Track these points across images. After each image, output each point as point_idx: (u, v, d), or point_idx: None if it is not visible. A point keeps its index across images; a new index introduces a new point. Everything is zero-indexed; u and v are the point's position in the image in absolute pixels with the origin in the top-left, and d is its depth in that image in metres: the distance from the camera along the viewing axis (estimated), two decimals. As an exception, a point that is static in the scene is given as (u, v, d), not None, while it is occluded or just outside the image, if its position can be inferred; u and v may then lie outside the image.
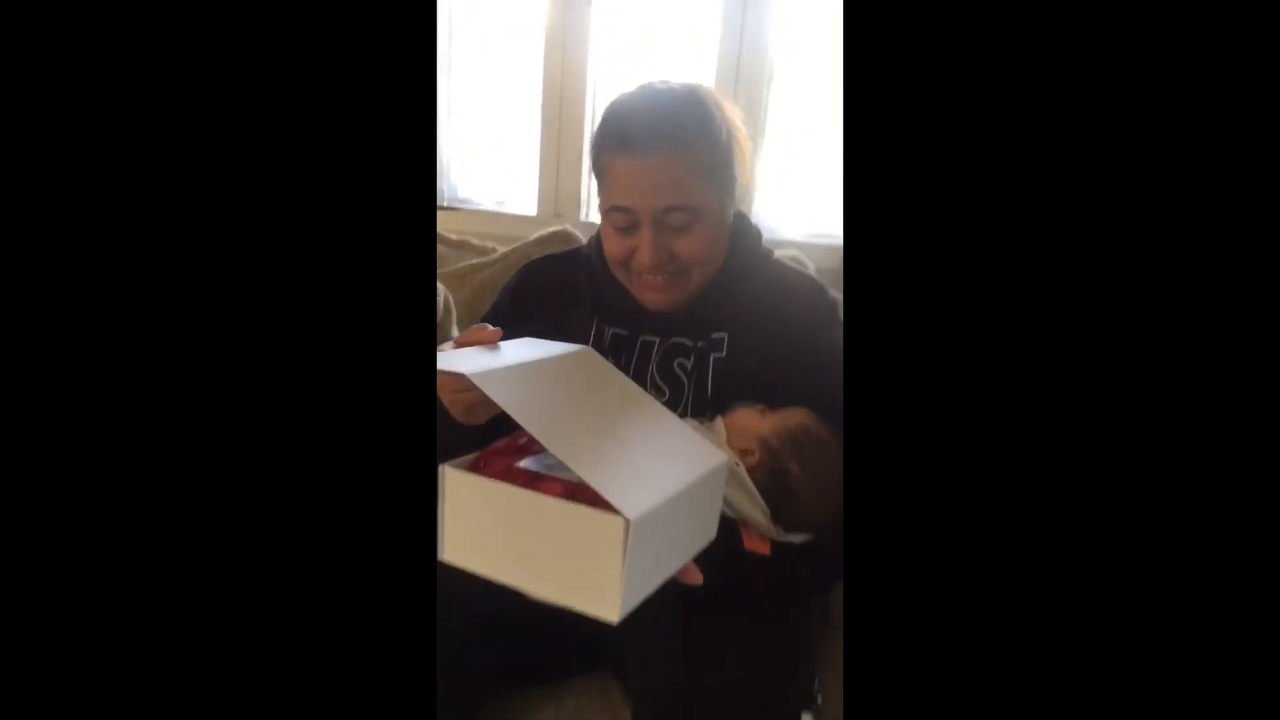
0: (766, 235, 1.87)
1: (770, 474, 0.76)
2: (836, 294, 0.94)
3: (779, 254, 1.38)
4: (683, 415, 0.88)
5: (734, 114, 0.88)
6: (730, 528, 0.74)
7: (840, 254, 1.68)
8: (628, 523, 0.49)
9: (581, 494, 0.54)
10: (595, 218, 1.87)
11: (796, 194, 1.80)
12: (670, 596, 0.58)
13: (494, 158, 1.86)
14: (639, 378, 0.89)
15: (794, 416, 0.80)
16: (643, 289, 0.88)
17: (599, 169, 0.88)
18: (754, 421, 0.80)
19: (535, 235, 1.45)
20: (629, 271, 0.87)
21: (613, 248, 0.87)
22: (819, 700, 0.78)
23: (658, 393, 0.89)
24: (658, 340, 0.90)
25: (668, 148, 0.82)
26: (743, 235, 0.93)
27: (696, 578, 0.62)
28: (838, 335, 0.89)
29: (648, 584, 0.55)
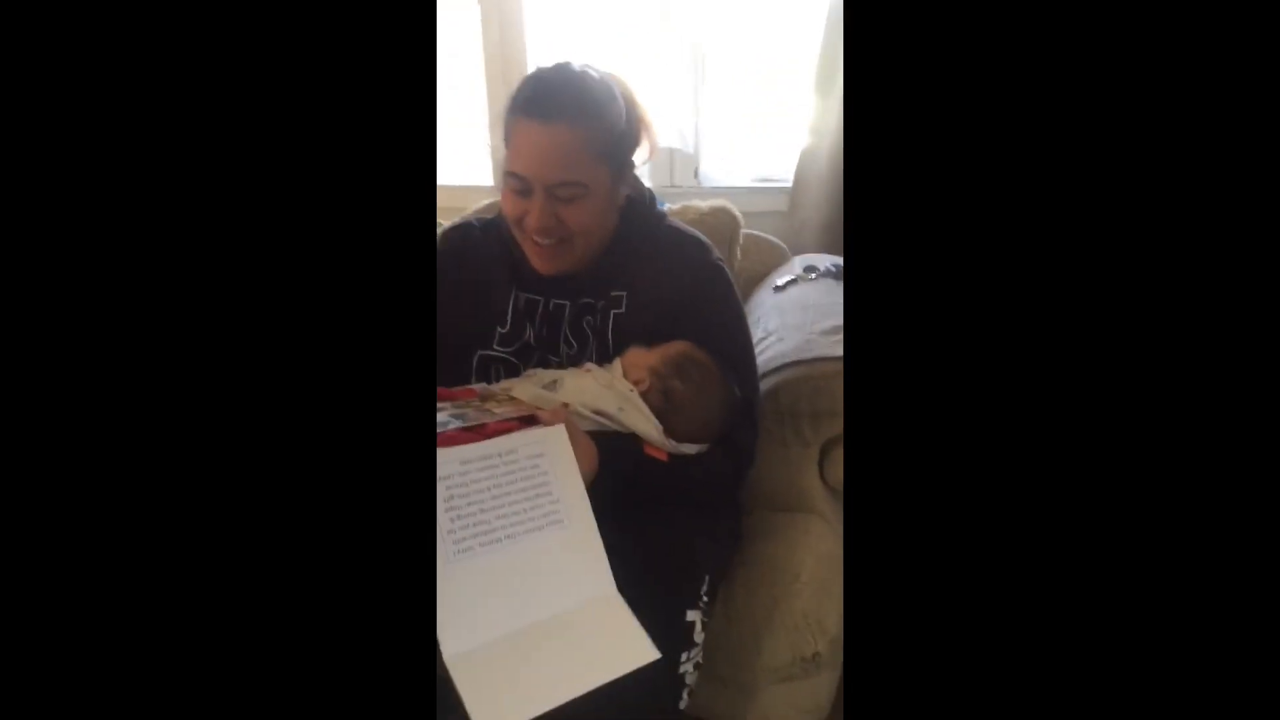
0: (713, 184, 1.95)
1: (659, 394, 0.88)
2: (720, 254, 1.03)
3: (711, 203, 1.46)
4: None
5: (645, 110, 0.95)
6: (635, 440, 0.87)
7: (786, 195, 1.76)
8: None
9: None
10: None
11: (739, 146, 1.88)
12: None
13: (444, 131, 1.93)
14: (553, 337, 0.99)
15: (675, 347, 0.91)
16: (532, 253, 0.96)
17: (506, 131, 0.95)
18: (642, 356, 0.92)
19: (474, 206, 1.51)
20: (522, 232, 0.95)
21: (509, 208, 0.95)
22: (704, 601, 0.87)
23: (568, 347, 0.99)
24: (568, 303, 0.99)
25: (568, 118, 0.89)
26: (638, 203, 1.01)
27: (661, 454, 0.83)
28: (720, 288, 0.98)
29: None
